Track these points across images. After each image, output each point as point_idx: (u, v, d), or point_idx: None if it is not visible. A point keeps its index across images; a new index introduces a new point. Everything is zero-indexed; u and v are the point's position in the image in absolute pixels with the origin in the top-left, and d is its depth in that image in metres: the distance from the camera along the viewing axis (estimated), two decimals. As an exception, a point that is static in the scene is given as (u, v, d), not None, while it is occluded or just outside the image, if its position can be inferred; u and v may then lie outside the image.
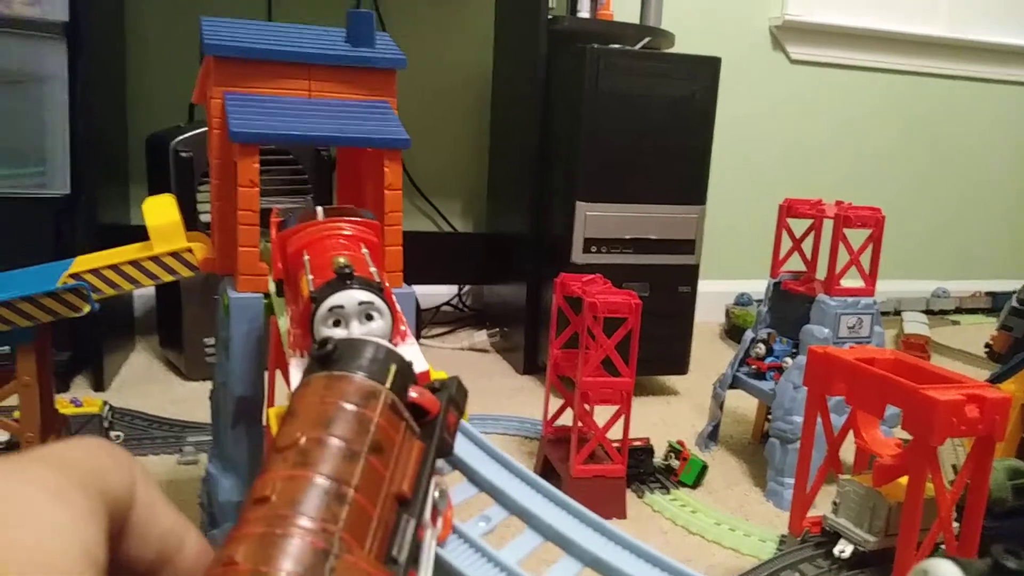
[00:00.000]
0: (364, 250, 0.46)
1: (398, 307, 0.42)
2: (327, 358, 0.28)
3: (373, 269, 0.43)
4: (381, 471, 0.26)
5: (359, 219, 0.50)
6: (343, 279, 0.39)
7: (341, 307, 0.39)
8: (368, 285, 0.40)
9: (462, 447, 0.35)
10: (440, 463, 0.35)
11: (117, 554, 0.22)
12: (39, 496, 0.18)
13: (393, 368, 0.28)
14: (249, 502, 0.24)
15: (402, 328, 0.41)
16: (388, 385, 0.28)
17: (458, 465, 0.35)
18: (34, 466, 0.19)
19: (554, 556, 0.32)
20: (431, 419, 0.30)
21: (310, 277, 0.42)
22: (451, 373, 0.34)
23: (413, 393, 0.29)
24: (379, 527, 0.24)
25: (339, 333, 0.39)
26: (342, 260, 0.41)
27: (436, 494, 0.29)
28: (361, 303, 0.39)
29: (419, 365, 0.36)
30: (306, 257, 0.45)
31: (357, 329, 0.39)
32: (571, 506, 0.33)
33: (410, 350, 0.39)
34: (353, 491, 0.24)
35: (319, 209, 0.51)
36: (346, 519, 0.23)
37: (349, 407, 0.26)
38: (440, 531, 0.29)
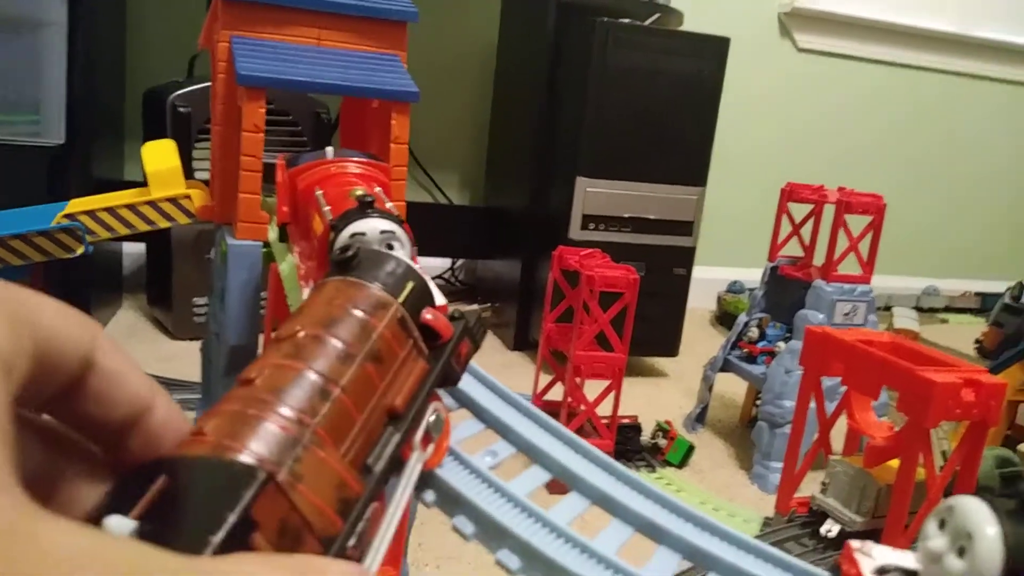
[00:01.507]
0: (377, 188, 0.45)
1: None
2: (346, 263, 0.28)
3: (390, 205, 0.42)
4: (375, 380, 0.25)
5: (369, 160, 0.49)
6: (364, 207, 0.39)
7: (363, 234, 0.38)
8: (389, 216, 0.39)
9: (472, 386, 0.35)
10: (447, 400, 0.34)
11: (79, 412, 0.22)
12: None
13: (410, 285, 0.28)
14: (235, 383, 0.24)
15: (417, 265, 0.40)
16: (401, 300, 0.27)
17: (465, 403, 0.34)
18: None
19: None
20: (442, 344, 0.29)
21: (327, 208, 0.41)
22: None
23: (428, 315, 0.28)
24: (361, 434, 0.24)
25: None
26: (360, 191, 0.40)
27: (431, 419, 0.28)
28: (383, 231, 0.39)
29: (437, 299, 0.36)
30: (319, 192, 0.45)
31: None
32: (580, 445, 0.33)
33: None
34: (340, 391, 0.24)
35: (328, 149, 0.50)
36: (325, 416, 0.23)
37: (355, 312, 0.26)
38: (430, 456, 0.29)
